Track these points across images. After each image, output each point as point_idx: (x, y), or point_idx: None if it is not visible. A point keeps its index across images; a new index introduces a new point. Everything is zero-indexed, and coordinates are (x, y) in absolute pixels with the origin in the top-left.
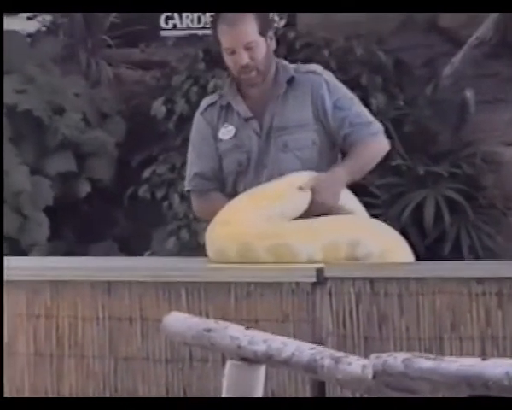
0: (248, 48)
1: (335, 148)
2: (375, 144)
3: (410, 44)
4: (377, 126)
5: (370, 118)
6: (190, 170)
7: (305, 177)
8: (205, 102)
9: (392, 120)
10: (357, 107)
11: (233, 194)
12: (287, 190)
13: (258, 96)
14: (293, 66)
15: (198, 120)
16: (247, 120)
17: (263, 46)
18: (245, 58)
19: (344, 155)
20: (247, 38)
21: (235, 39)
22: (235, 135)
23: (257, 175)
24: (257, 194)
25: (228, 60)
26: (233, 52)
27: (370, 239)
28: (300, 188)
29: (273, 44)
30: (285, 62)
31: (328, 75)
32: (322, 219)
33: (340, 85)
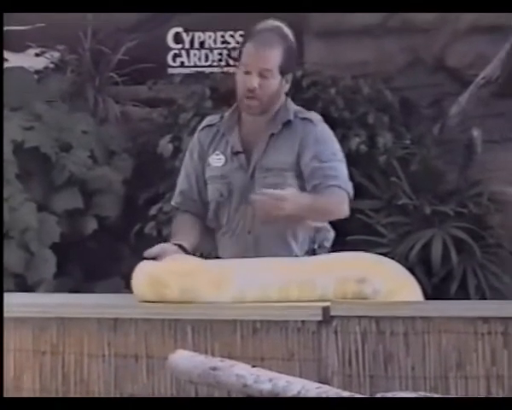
0: (262, 75)
1: None
2: (336, 198)
3: (417, 84)
4: (347, 186)
5: (345, 176)
6: (178, 186)
7: None
8: (205, 121)
9: (399, 158)
10: (335, 163)
11: (215, 222)
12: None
13: (252, 128)
14: (295, 108)
15: (194, 139)
16: (236, 153)
17: (276, 82)
18: (254, 82)
19: None
20: (266, 65)
21: (255, 60)
22: (224, 165)
23: (239, 210)
24: None
25: (239, 78)
26: (247, 72)
27: (378, 277)
28: None
29: (286, 87)
30: (289, 103)
31: (322, 127)
32: (331, 255)
33: (330, 140)
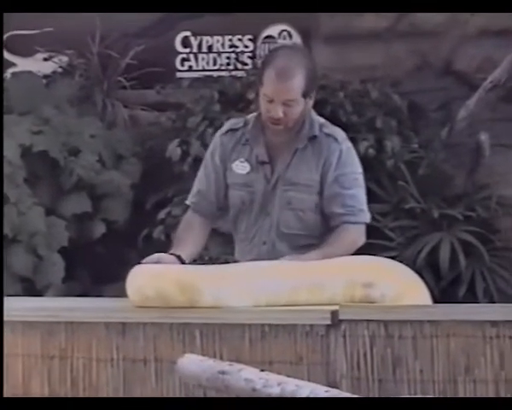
0: (286, 104)
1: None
2: (352, 236)
3: (425, 88)
4: (363, 217)
5: (363, 205)
6: (195, 186)
7: None
8: (228, 124)
9: (407, 162)
10: (356, 190)
11: (233, 228)
12: None
13: (278, 140)
14: (320, 122)
15: (216, 141)
16: (262, 163)
17: (300, 106)
18: (279, 113)
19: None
20: (289, 96)
21: (278, 92)
22: (248, 173)
23: (258, 220)
24: None
25: (263, 103)
26: (270, 101)
27: (386, 281)
28: None
29: (310, 103)
30: (314, 116)
31: (346, 146)
32: (339, 259)
33: (352, 161)
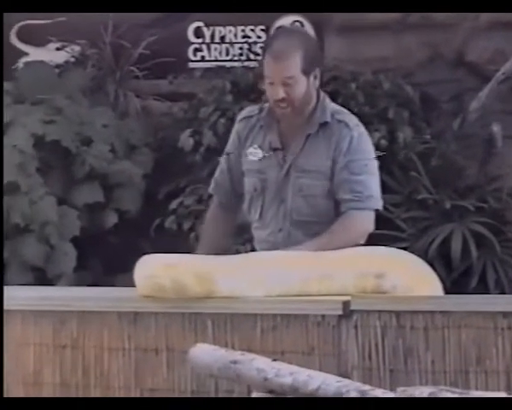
0: (286, 83)
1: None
2: (357, 223)
3: (438, 79)
4: (371, 203)
5: (373, 191)
6: (214, 175)
7: None
8: (244, 112)
9: (419, 153)
10: (365, 176)
11: (248, 215)
12: None
13: (290, 127)
14: (333, 108)
15: (234, 128)
16: (274, 149)
17: (303, 84)
18: (280, 93)
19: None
20: (286, 74)
21: (275, 72)
22: (261, 160)
23: (272, 207)
24: None
25: (267, 89)
26: (271, 83)
27: (397, 272)
28: None
29: (316, 83)
30: (326, 102)
31: (357, 132)
32: (351, 249)
33: (364, 148)
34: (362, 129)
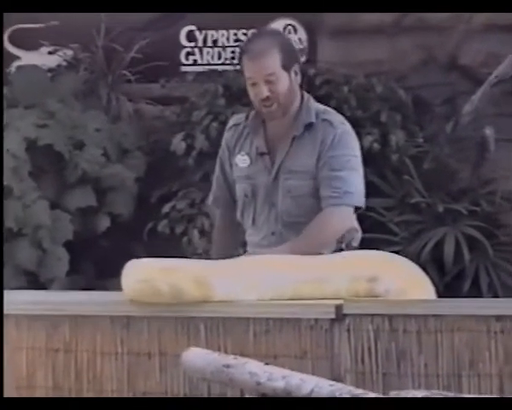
0: (268, 81)
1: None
2: (333, 220)
3: (430, 82)
4: (348, 199)
5: (352, 187)
6: (212, 186)
7: None
8: (232, 120)
9: (412, 157)
10: (346, 172)
11: (242, 221)
12: None
13: (276, 130)
14: (318, 108)
15: (223, 137)
16: (262, 154)
17: (285, 80)
18: (264, 91)
19: None
20: (267, 71)
21: (256, 72)
22: (249, 166)
23: (264, 211)
24: None
25: (250, 91)
26: (254, 84)
27: (390, 276)
28: None
29: (298, 79)
30: (311, 103)
31: (341, 130)
32: (343, 253)
33: (346, 144)
34: (347, 127)
